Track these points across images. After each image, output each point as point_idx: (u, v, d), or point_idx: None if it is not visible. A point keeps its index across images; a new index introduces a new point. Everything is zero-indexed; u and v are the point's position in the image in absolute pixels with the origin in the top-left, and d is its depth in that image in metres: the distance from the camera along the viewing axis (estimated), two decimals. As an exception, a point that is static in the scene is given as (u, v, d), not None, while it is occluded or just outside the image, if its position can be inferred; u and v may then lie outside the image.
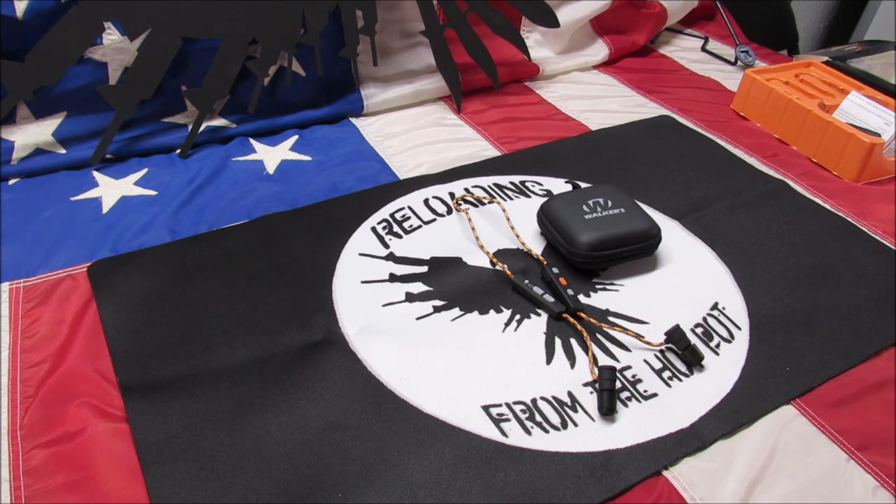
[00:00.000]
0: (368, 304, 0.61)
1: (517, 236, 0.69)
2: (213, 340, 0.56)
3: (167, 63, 0.78)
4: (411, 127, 0.89)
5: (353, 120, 0.90)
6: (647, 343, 0.58)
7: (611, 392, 0.52)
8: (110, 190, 0.75)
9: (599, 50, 1.08)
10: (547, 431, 0.51)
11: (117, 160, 0.80)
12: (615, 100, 0.98)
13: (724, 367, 0.57)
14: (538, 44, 1.06)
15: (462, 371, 0.55)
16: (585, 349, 0.57)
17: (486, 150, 0.85)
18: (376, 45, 0.91)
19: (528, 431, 0.50)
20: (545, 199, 0.71)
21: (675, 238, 0.70)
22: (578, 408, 0.53)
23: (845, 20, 1.59)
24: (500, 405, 0.52)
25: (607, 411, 0.52)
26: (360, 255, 0.66)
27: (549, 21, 0.97)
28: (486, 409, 0.52)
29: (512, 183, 0.78)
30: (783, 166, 0.84)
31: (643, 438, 0.50)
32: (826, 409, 0.54)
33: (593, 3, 1.06)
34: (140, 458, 0.47)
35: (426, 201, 0.74)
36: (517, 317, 0.60)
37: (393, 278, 0.64)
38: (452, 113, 0.93)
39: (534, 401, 0.53)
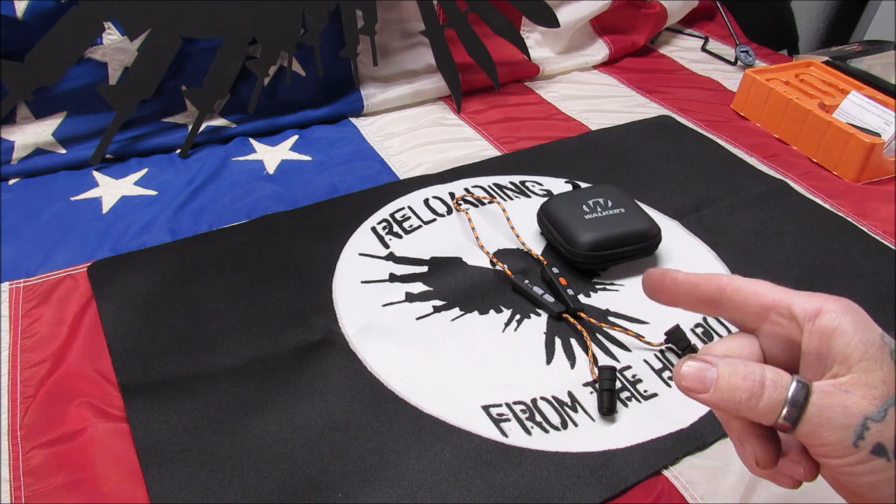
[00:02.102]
0: (368, 304, 0.61)
1: (517, 236, 0.69)
2: (213, 340, 0.56)
3: (167, 63, 0.78)
4: (411, 127, 0.89)
5: (353, 120, 0.90)
6: (647, 343, 0.58)
7: (611, 392, 0.52)
8: (110, 190, 0.75)
9: (599, 50, 1.08)
10: (547, 431, 0.51)
11: (117, 160, 0.80)
12: (615, 100, 0.98)
13: (724, 367, 0.57)
14: (538, 44, 1.06)
15: (462, 371, 0.55)
16: (585, 349, 0.57)
17: (486, 150, 0.85)
18: (376, 45, 0.91)
19: (528, 431, 0.50)
20: (545, 199, 0.71)
21: (675, 238, 0.70)
22: (578, 408, 0.53)
23: (845, 20, 1.59)
24: (500, 405, 0.52)
25: (607, 411, 0.52)
26: (360, 255, 0.66)
27: (549, 21, 0.97)
28: (486, 408, 0.52)
29: (512, 183, 0.78)
30: (783, 166, 0.84)
31: (643, 438, 0.50)
32: (826, 408, 0.53)
33: (593, 3, 1.06)
34: (140, 458, 0.47)
35: (426, 201, 0.74)
36: (517, 317, 0.60)
37: (393, 278, 0.64)
38: (452, 113, 0.93)
39: (534, 401, 0.53)
